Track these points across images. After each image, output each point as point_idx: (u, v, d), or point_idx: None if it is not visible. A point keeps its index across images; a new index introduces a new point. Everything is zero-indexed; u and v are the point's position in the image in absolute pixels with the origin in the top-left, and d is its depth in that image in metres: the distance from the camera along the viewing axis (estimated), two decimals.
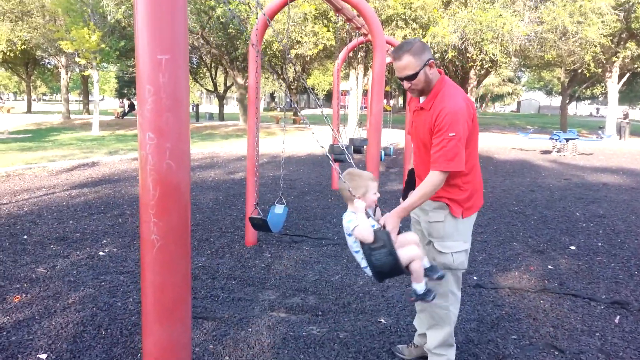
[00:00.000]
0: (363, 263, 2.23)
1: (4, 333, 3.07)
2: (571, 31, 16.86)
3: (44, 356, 2.81)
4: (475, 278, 4.21)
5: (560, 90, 31.95)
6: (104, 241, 5.11)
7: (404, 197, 2.74)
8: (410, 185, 2.72)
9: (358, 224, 2.18)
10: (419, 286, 2.29)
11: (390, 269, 2.13)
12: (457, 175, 2.44)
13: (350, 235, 2.26)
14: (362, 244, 2.16)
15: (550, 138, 15.56)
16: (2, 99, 52.70)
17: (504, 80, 49.71)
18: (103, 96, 63.03)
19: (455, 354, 2.73)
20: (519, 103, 74.37)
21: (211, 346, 2.97)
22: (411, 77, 2.41)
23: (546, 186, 9.06)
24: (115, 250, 4.82)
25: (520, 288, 3.99)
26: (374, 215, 2.37)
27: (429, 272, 2.37)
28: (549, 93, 64.66)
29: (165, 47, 1.60)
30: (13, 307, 3.46)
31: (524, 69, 34.74)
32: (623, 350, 2.99)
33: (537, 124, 36.01)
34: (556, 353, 2.95)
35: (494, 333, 3.20)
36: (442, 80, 2.47)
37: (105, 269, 4.28)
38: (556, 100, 66.07)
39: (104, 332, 3.11)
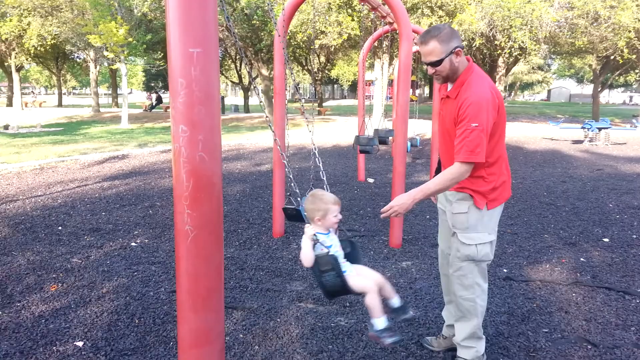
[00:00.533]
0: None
1: (43, 321, 3.18)
2: (603, 16, 16.32)
3: (80, 344, 2.90)
4: (505, 271, 4.15)
5: (591, 78, 31.02)
6: (136, 232, 5.22)
7: None
8: (440, 172, 2.70)
9: (301, 248, 2.19)
10: (377, 321, 2.26)
11: (338, 289, 2.20)
12: (482, 167, 2.41)
13: None
14: (313, 265, 2.16)
15: (582, 127, 15.14)
16: (34, 93, 54.16)
17: (533, 68, 48.59)
18: (131, 89, 64.11)
19: (485, 347, 2.71)
20: (549, 91, 72.58)
21: (241, 335, 3.02)
22: (435, 64, 2.40)
23: (578, 177, 8.85)
24: (146, 241, 4.93)
25: (552, 281, 3.92)
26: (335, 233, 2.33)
27: (397, 312, 2.41)
28: (580, 81, 62.91)
29: (196, 40, 1.61)
30: (50, 295, 3.58)
31: (554, 57, 33.85)
32: None
33: (568, 112, 35.07)
34: (589, 347, 2.89)
35: (524, 326, 3.16)
36: (469, 69, 2.43)
37: (138, 260, 4.38)
38: (588, 88, 64.20)
39: (137, 321, 3.19)
